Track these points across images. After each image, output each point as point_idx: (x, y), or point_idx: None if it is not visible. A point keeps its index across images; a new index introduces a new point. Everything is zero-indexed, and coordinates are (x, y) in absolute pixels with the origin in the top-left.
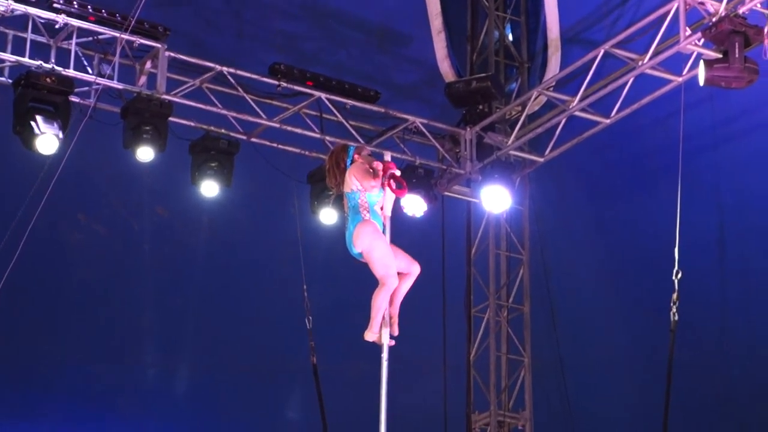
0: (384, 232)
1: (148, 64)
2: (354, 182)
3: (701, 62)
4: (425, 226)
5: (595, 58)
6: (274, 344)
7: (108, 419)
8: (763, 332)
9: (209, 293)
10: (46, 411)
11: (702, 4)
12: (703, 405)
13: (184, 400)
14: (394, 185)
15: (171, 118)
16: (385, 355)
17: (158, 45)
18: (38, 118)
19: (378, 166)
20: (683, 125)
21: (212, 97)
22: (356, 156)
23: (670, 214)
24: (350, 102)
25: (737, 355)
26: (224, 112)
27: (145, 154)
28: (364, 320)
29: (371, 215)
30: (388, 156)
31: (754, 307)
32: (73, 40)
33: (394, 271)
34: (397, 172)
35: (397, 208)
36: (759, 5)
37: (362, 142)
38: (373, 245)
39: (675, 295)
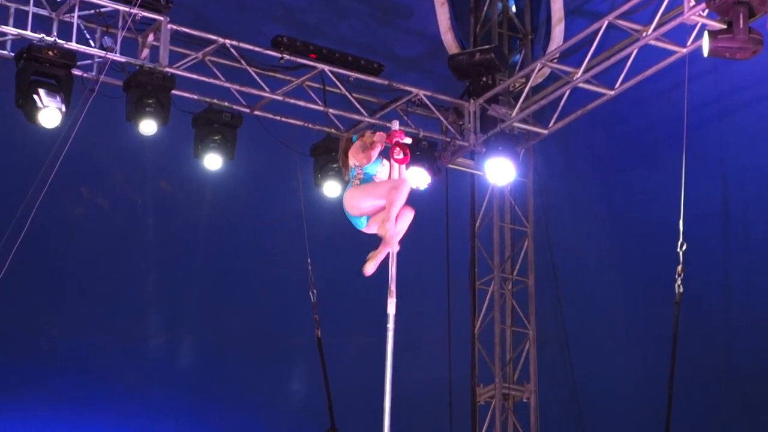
0: None
1: (151, 37)
2: (352, 160)
3: (705, 33)
4: (429, 199)
5: (599, 29)
6: (278, 317)
7: (113, 392)
8: (766, 304)
9: (213, 266)
10: (51, 384)
11: None
12: (706, 377)
13: (188, 373)
14: (397, 153)
15: (174, 91)
16: (390, 326)
17: (161, 18)
18: (41, 91)
19: (378, 137)
20: (687, 96)
21: (215, 70)
22: (361, 139)
23: (674, 186)
24: (353, 74)
25: (741, 328)
26: (227, 84)
27: (147, 127)
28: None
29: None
30: (395, 124)
31: (758, 279)
32: (75, 13)
33: (374, 200)
34: (407, 140)
35: None
36: None
37: (365, 114)
38: (353, 196)
39: (680, 267)
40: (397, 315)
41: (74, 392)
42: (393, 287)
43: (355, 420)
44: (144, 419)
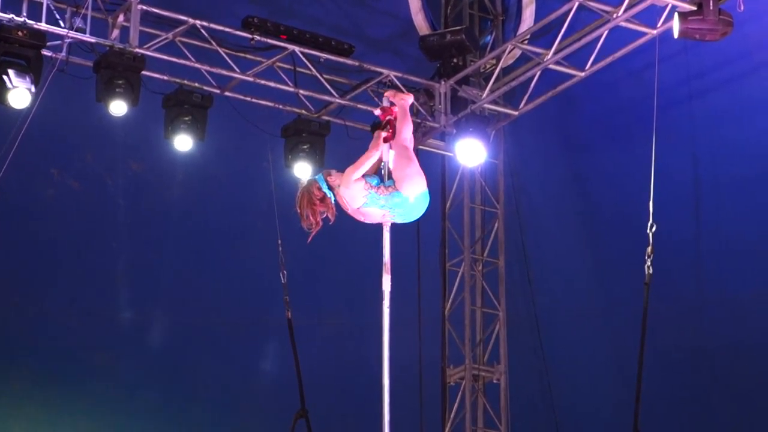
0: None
1: (121, 18)
2: (356, 194)
3: (675, 14)
4: None
5: (569, 10)
6: (249, 298)
7: (83, 372)
8: (737, 284)
9: (184, 247)
10: (19, 366)
11: None
12: (677, 357)
13: (158, 353)
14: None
15: (144, 72)
16: (386, 302)
17: None
18: (10, 72)
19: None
20: (658, 78)
21: (185, 51)
22: (329, 179)
23: (644, 166)
24: (324, 55)
25: (712, 307)
26: (197, 65)
27: (118, 108)
28: (339, 275)
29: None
30: (386, 101)
31: (729, 259)
32: None
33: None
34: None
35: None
36: None
37: (336, 95)
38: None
39: (649, 249)
40: (368, 296)
41: (44, 373)
42: (388, 263)
43: (326, 401)
44: (114, 399)
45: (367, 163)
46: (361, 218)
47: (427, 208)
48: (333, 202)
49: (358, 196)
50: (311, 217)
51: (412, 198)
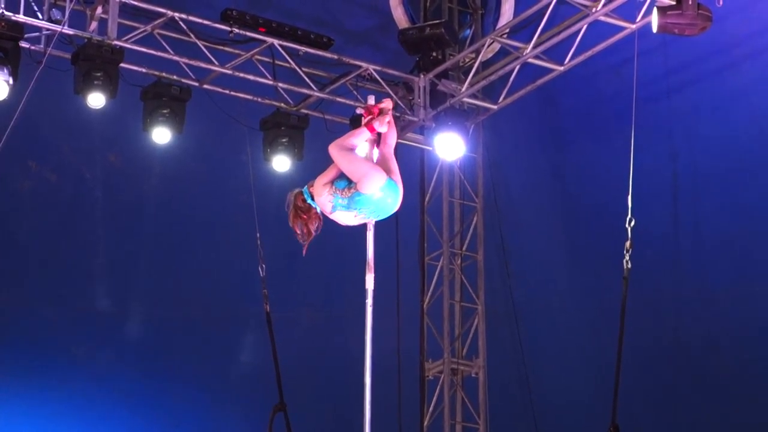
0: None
1: (99, 10)
2: (324, 200)
3: (654, 9)
4: None
5: (548, 4)
6: (227, 291)
7: (59, 365)
8: (715, 279)
9: (161, 240)
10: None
11: None
12: (656, 352)
13: (137, 345)
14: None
15: (122, 65)
16: (369, 301)
17: None
18: None
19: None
20: (637, 72)
21: (164, 44)
22: (311, 190)
23: (623, 161)
24: (303, 48)
25: (690, 302)
26: (176, 58)
27: (96, 100)
28: (317, 268)
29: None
30: (371, 100)
31: (707, 254)
32: None
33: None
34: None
35: None
36: None
37: (315, 89)
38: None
39: (628, 243)
40: (349, 288)
41: (24, 366)
42: (371, 262)
43: (305, 395)
44: (93, 391)
45: (332, 170)
46: (342, 222)
47: (402, 199)
48: (318, 211)
49: (326, 202)
50: (303, 229)
51: (375, 195)
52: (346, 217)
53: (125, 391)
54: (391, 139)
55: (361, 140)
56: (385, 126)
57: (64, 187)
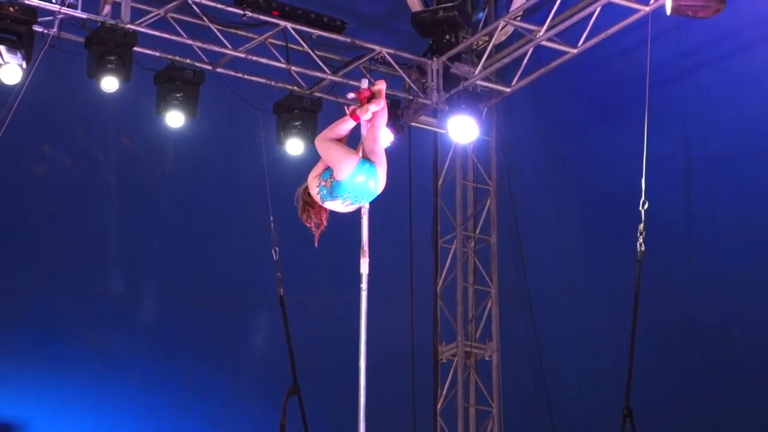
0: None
1: None
2: (314, 191)
3: None
4: (391, 157)
5: None
6: (240, 275)
7: (72, 350)
8: (728, 262)
9: (175, 224)
10: (9, 344)
11: None
12: (668, 333)
13: (150, 329)
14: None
15: (135, 48)
16: (364, 285)
17: None
18: (1, 47)
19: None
20: (650, 55)
21: (177, 27)
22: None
23: (636, 144)
24: (316, 32)
25: (703, 285)
26: (189, 41)
27: (109, 84)
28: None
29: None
30: (364, 83)
31: (720, 237)
32: None
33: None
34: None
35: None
36: None
37: (328, 72)
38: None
39: (641, 226)
40: (358, 275)
41: (36, 351)
42: (366, 247)
43: (318, 378)
44: (106, 376)
45: (321, 163)
46: (338, 210)
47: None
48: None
49: (316, 194)
50: (313, 220)
51: (353, 179)
52: (335, 206)
53: (138, 375)
54: (379, 120)
55: (344, 130)
56: (369, 114)
57: (77, 171)
